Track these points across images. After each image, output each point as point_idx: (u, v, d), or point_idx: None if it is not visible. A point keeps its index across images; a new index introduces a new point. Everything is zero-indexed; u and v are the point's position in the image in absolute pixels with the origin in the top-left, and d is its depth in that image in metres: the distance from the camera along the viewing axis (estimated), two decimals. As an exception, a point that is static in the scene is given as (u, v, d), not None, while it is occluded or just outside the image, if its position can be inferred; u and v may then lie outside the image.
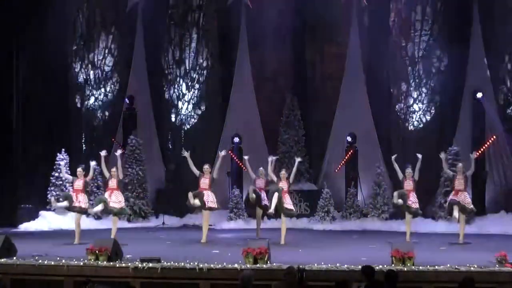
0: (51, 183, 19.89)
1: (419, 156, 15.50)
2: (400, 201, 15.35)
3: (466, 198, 15.46)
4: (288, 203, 15.54)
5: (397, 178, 16.21)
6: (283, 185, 15.52)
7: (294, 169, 15.76)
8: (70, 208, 15.57)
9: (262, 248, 11.78)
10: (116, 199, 15.49)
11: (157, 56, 23.19)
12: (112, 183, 15.56)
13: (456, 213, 15.21)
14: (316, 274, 11.02)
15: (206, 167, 15.83)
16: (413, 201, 15.47)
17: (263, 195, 15.87)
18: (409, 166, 15.73)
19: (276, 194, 15.22)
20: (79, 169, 15.81)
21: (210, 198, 15.68)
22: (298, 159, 16.09)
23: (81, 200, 15.50)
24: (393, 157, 15.89)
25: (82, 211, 15.70)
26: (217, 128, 22.41)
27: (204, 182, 15.70)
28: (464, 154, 18.58)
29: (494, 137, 19.51)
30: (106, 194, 15.59)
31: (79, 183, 15.63)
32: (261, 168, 16.18)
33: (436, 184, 19.02)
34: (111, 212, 15.65)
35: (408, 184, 15.54)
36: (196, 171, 15.78)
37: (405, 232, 15.72)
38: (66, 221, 18.60)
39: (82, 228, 15.68)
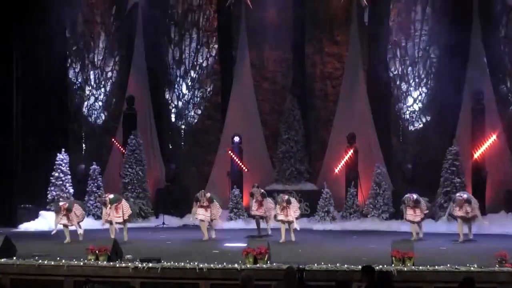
0: (51, 183, 19.87)
1: None
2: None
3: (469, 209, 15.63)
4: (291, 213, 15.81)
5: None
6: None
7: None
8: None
9: (262, 248, 11.79)
10: (121, 212, 15.67)
11: (157, 56, 23.17)
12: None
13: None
14: (316, 274, 11.04)
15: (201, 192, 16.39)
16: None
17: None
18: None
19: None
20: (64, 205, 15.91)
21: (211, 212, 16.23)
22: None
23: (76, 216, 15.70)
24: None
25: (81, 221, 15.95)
26: (217, 128, 22.41)
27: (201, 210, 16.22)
28: (464, 154, 18.57)
29: (495, 136, 19.45)
30: (113, 212, 15.71)
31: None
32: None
33: (436, 184, 19.00)
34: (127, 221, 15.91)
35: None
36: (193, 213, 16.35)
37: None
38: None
39: (82, 228, 15.78)
